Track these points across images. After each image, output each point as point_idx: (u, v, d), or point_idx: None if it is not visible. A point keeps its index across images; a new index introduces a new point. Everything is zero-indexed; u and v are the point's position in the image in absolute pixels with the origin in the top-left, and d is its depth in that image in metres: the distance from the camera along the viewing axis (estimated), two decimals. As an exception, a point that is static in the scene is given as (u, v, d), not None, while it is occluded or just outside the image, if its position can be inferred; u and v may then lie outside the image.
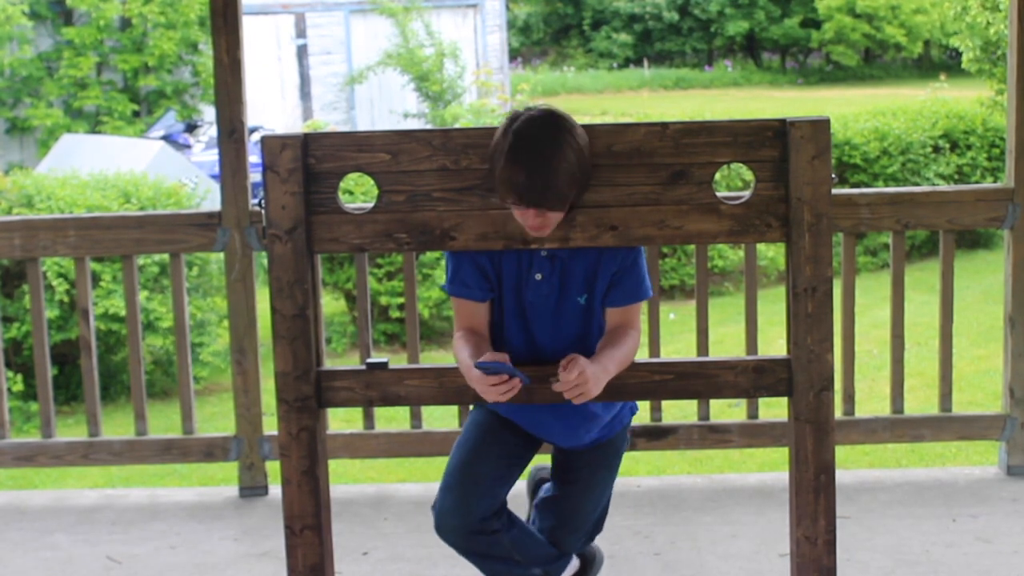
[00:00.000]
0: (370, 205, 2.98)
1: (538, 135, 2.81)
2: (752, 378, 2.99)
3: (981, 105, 12.31)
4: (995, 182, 11.01)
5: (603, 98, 28.18)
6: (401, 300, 8.45)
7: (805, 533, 3.01)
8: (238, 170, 4.45)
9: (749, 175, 2.80)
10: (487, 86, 16.91)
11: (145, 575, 3.98)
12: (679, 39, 34.14)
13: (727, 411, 5.95)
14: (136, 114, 17.06)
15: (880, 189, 7.50)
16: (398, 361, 3.58)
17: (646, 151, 2.89)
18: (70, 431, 6.80)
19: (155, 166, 10.43)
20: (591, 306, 3.10)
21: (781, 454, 5.23)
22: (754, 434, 4.59)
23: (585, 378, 2.84)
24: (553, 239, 2.93)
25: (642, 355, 3.76)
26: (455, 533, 3.17)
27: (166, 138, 14.85)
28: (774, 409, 5.46)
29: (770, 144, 2.90)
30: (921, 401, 6.36)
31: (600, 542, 3.75)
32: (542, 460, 3.67)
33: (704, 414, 4.60)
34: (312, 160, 2.95)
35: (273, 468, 4.53)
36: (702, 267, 4.54)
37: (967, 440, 5.05)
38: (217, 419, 7.36)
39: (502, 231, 2.93)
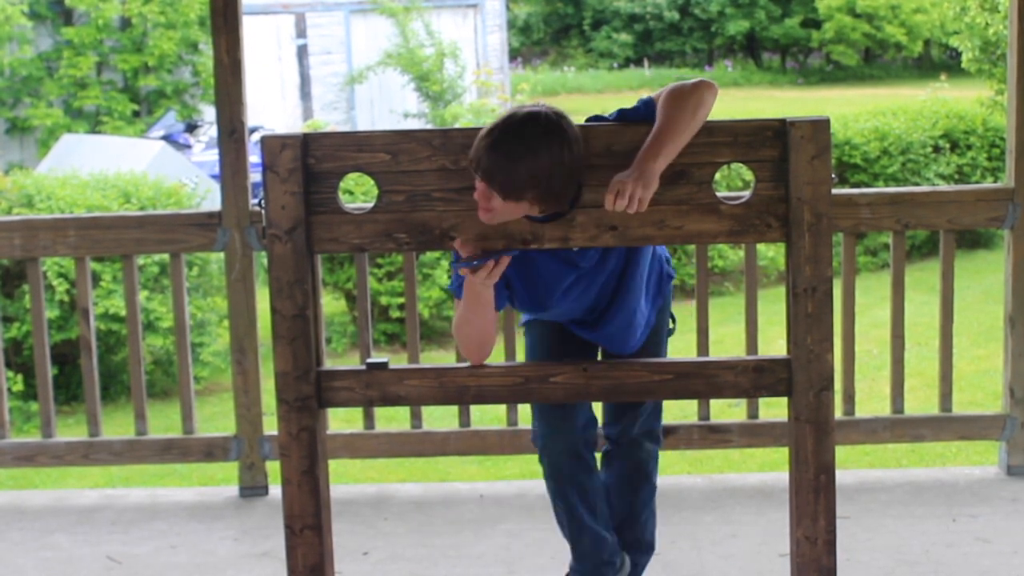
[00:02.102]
0: (370, 205, 2.98)
1: (528, 124, 2.81)
2: (752, 378, 3.00)
3: (981, 105, 12.30)
4: (995, 182, 11.01)
5: (603, 98, 28.16)
6: (401, 300, 8.45)
7: (805, 533, 3.01)
8: (238, 170, 4.45)
9: (749, 175, 2.81)
10: (487, 86, 16.91)
11: (145, 575, 3.98)
12: (679, 39, 34.11)
13: (727, 411, 5.95)
14: (136, 114, 17.06)
15: (880, 189, 7.50)
16: (398, 361, 3.58)
17: (646, 151, 2.89)
18: (70, 431, 6.80)
19: (155, 166, 10.43)
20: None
21: (781, 454, 5.23)
22: (754, 434, 4.59)
23: (635, 195, 2.81)
24: (553, 239, 2.93)
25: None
26: (561, 453, 3.29)
27: (166, 138, 14.84)
28: (774, 409, 5.46)
29: (770, 144, 2.90)
30: (921, 401, 6.36)
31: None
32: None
33: (704, 414, 4.60)
34: (312, 160, 2.95)
35: (273, 468, 4.53)
36: (702, 267, 4.54)
37: (967, 440, 5.05)
38: (217, 419, 7.36)
39: (502, 231, 2.93)
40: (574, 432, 3.30)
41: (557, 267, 3.07)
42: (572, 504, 3.37)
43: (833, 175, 2.92)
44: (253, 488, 4.61)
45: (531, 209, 2.87)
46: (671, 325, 3.45)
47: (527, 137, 2.79)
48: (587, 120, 3.01)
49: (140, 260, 7.18)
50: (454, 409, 4.82)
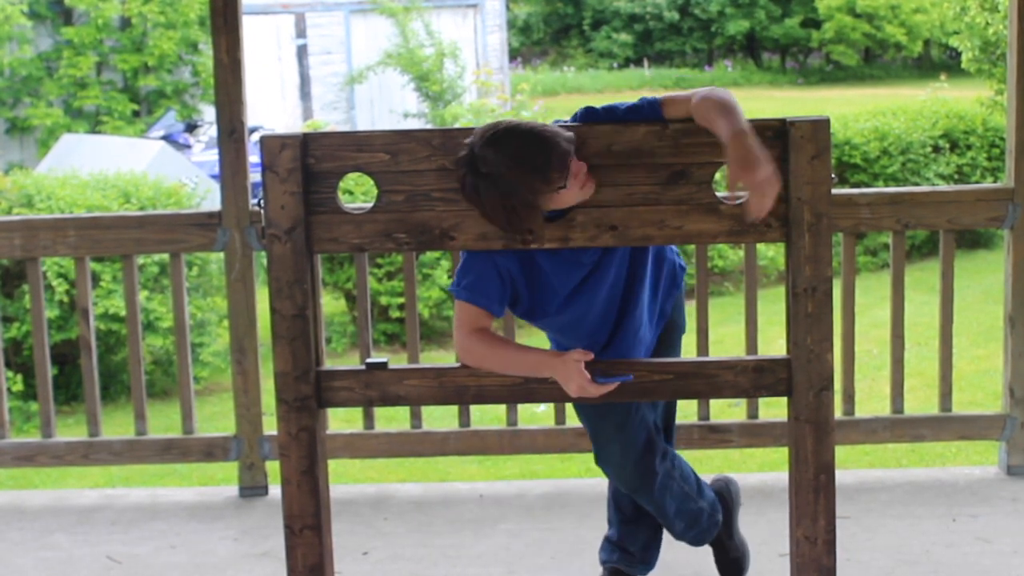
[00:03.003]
0: (370, 205, 2.98)
1: (507, 129, 2.83)
2: (752, 378, 3.00)
3: (981, 105, 12.30)
4: (995, 182, 11.01)
5: (603, 98, 28.06)
6: (401, 300, 8.44)
7: (805, 533, 3.01)
8: (238, 170, 4.45)
9: (749, 175, 2.83)
10: (487, 86, 16.91)
11: (145, 575, 3.98)
12: (679, 39, 34.11)
13: (727, 411, 5.94)
14: (136, 114, 17.05)
15: (880, 189, 7.49)
16: (398, 361, 3.58)
17: (646, 151, 2.90)
18: (70, 431, 6.80)
19: (155, 166, 10.42)
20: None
21: (781, 454, 5.22)
22: (754, 434, 4.59)
23: (771, 186, 2.82)
24: (553, 239, 2.93)
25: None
26: (632, 473, 3.31)
27: (166, 138, 14.83)
28: (774, 409, 5.46)
29: (770, 144, 2.90)
30: (921, 401, 6.36)
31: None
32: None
33: (704, 414, 4.61)
34: (311, 160, 2.95)
35: (273, 468, 4.53)
36: (702, 267, 4.54)
37: (967, 440, 5.05)
38: (217, 419, 7.36)
39: (501, 231, 2.93)
40: (636, 447, 3.31)
41: (564, 268, 3.07)
42: (667, 510, 3.45)
43: (833, 175, 2.92)
44: (253, 488, 4.61)
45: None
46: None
47: (523, 128, 2.83)
48: (580, 111, 3.00)
49: (140, 260, 7.17)
50: (454, 409, 4.82)
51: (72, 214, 6.88)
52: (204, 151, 14.90)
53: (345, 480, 5.64)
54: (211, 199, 9.15)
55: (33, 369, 5.00)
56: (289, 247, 2.95)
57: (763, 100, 26.51)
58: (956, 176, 11.37)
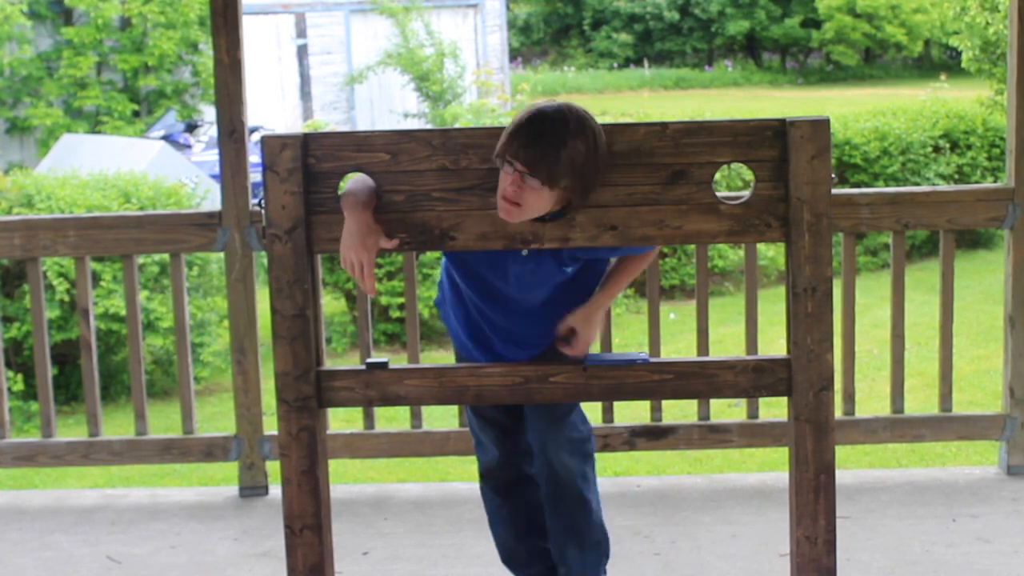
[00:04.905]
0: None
1: (561, 115, 2.83)
2: (752, 378, 2.99)
3: (981, 105, 12.29)
4: (995, 182, 11.00)
5: (603, 98, 28.17)
6: (401, 300, 8.45)
7: (805, 533, 3.01)
8: (238, 170, 4.45)
9: (749, 175, 2.81)
10: (487, 86, 16.90)
11: (145, 575, 3.98)
12: (679, 39, 34.12)
13: (727, 411, 5.95)
14: (136, 114, 17.04)
15: (880, 189, 7.49)
16: (398, 361, 3.58)
17: (646, 151, 2.90)
18: (70, 431, 6.80)
19: (155, 166, 10.41)
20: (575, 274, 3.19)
21: (781, 454, 5.23)
22: (754, 434, 4.59)
23: (585, 340, 3.14)
24: (553, 239, 2.93)
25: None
26: (498, 477, 3.47)
27: (166, 138, 14.83)
28: (774, 409, 5.46)
29: (770, 144, 2.90)
30: (921, 401, 6.36)
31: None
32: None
33: (704, 414, 4.61)
34: (312, 160, 2.95)
35: (273, 468, 4.53)
36: (702, 267, 4.54)
37: (967, 440, 5.05)
38: (217, 419, 7.36)
39: (502, 231, 2.93)
40: (509, 451, 3.45)
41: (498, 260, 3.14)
42: (511, 521, 3.51)
43: (833, 175, 2.92)
44: (253, 488, 4.61)
45: (558, 202, 2.86)
46: None
47: (564, 126, 2.81)
48: None
49: (140, 260, 7.17)
50: (454, 409, 4.82)
51: (72, 214, 6.87)
52: (204, 151, 14.90)
53: (345, 480, 5.64)
54: (211, 199, 9.15)
55: (33, 369, 5.00)
56: (289, 247, 2.95)
57: (763, 100, 26.51)
58: (956, 176, 11.36)
